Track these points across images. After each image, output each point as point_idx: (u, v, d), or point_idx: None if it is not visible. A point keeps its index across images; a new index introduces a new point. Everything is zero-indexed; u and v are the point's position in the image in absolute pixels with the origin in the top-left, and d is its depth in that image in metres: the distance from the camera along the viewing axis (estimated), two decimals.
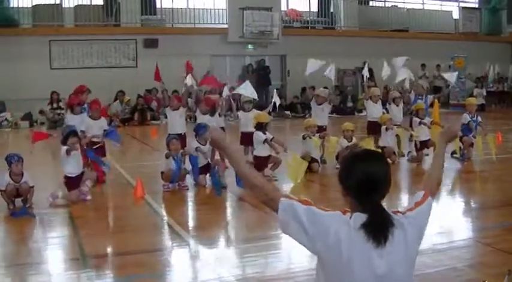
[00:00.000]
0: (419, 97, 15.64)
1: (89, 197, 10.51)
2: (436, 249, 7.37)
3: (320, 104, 14.39)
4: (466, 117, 14.48)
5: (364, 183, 3.28)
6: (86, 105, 12.87)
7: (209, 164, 11.63)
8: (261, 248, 7.71)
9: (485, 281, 5.50)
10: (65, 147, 10.28)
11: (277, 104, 15.28)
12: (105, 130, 12.07)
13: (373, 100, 15.16)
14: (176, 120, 13.14)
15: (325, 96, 14.58)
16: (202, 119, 12.98)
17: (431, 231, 8.18)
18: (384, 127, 14.16)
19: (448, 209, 10.14)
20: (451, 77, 18.41)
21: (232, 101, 14.51)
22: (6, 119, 24.16)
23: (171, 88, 21.17)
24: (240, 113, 13.70)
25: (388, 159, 12.69)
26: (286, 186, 11.75)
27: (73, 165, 10.43)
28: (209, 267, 7.11)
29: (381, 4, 34.34)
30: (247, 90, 14.34)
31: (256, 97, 14.48)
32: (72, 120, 12.20)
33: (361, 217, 3.23)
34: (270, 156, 12.30)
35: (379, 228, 3.19)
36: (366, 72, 16.75)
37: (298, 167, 11.96)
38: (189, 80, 13.95)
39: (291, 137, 18.24)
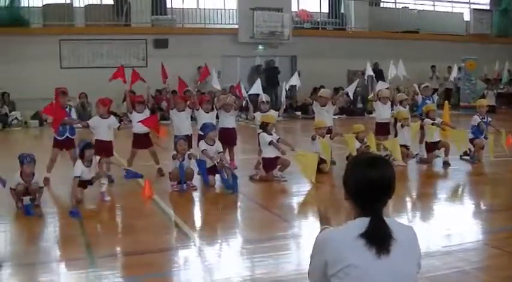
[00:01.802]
0: (427, 98, 15.55)
1: (107, 198, 10.52)
2: (445, 251, 7.34)
3: (324, 106, 14.20)
4: (476, 119, 14.42)
5: (366, 189, 3.27)
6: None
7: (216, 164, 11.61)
8: (270, 248, 7.68)
9: None
10: (79, 165, 10.37)
11: (284, 102, 15.15)
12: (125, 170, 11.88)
13: (382, 101, 15.03)
14: (182, 122, 13.12)
15: (327, 96, 14.43)
16: (203, 118, 12.94)
17: (440, 233, 8.19)
18: (399, 124, 14.11)
19: (458, 211, 10.12)
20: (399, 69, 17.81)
21: (249, 103, 14.47)
22: (16, 117, 24.28)
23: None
24: (257, 114, 13.56)
25: (399, 162, 12.79)
26: (296, 187, 11.74)
27: (86, 174, 10.44)
28: (217, 268, 7.09)
29: (391, 5, 34.30)
30: (255, 88, 14.40)
31: (261, 93, 14.38)
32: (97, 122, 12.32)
33: (363, 222, 3.22)
34: (278, 157, 12.24)
35: (379, 239, 3.17)
36: (369, 72, 16.66)
37: (309, 162, 11.93)
38: (215, 82, 14.03)
39: (301, 138, 18.21)
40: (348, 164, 3.52)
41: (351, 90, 15.45)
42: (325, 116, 14.04)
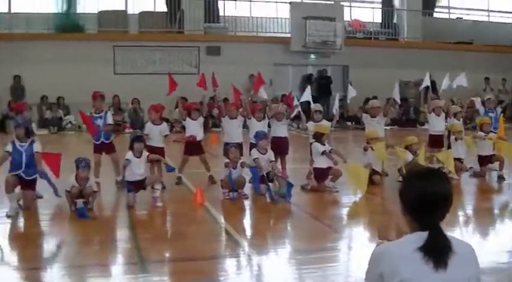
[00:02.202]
0: (490, 110, 15.22)
1: (159, 204, 10.56)
2: (500, 268, 7.20)
3: (374, 117, 13.97)
4: None
5: (423, 203, 3.21)
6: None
7: (268, 173, 11.59)
8: (319, 259, 7.61)
9: None
10: (129, 153, 10.45)
11: (337, 112, 15.03)
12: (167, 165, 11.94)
13: (436, 112, 14.80)
14: (234, 130, 13.11)
15: (379, 105, 14.26)
16: (255, 127, 12.93)
17: (495, 249, 8.02)
18: (453, 137, 13.90)
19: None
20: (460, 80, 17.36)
21: (301, 112, 14.40)
22: (70, 121, 24.66)
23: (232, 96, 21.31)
24: (309, 124, 13.48)
25: (453, 175, 12.53)
26: (347, 198, 11.63)
27: (133, 171, 10.50)
28: (266, 277, 7.08)
29: (445, 16, 33.91)
30: (305, 95, 14.36)
31: (310, 100, 14.32)
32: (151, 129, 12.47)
33: (420, 236, 3.16)
34: (330, 167, 12.15)
35: (438, 252, 3.11)
36: (427, 83, 16.28)
37: (359, 175, 11.80)
38: (263, 93, 13.98)
39: (352, 149, 18.10)
40: (405, 178, 3.48)
41: (396, 96, 15.21)
42: (376, 127, 13.82)
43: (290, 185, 11.23)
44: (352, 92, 15.68)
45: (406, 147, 13.10)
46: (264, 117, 13.24)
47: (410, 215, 3.29)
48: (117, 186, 11.69)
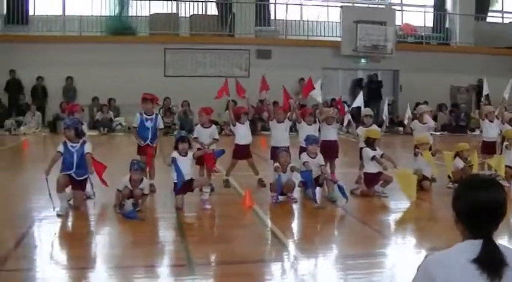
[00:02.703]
0: None
1: (208, 206, 10.59)
2: None
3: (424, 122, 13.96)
4: None
5: (477, 212, 3.16)
6: None
7: (318, 177, 11.57)
8: (366, 265, 7.55)
9: None
10: (175, 152, 10.49)
11: (387, 118, 14.86)
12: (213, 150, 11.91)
13: (489, 118, 14.60)
14: (281, 133, 12.96)
15: (429, 109, 14.14)
16: (306, 130, 12.89)
17: None
18: (506, 143, 13.68)
19: None
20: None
21: (350, 118, 14.28)
22: (120, 123, 24.91)
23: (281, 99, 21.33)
24: (359, 129, 13.42)
25: (503, 183, 12.27)
26: (396, 204, 11.54)
27: (183, 163, 10.49)
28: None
29: (498, 20, 33.42)
30: (358, 101, 14.27)
31: (362, 106, 14.21)
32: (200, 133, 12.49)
33: (472, 245, 3.11)
34: (380, 173, 12.06)
35: (492, 265, 3.04)
36: (486, 90, 15.97)
37: (408, 181, 11.70)
38: (318, 95, 13.84)
39: (401, 154, 17.95)
40: (458, 186, 3.42)
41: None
42: (426, 132, 13.78)
43: (342, 188, 11.19)
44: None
45: (457, 154, 12.91)
46: (315, 121, 13.21)
47: (463, 224, 3.24)
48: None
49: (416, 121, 14.16)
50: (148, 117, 12.31)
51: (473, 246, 3.10)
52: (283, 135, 12.95)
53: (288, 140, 12.92)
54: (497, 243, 3.13)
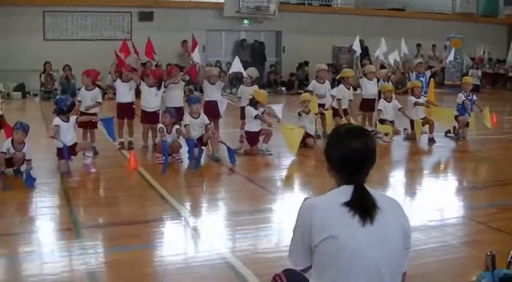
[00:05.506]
0: (420, 74, 15.49)
1: (93, 170, 10.52)
2: (431, 225, 7.39)
3: (323, 83, 14.70)
4: (461, 97, 14.47)
5: (349, 159, 3.30)
6: None
7: (202, 137, 11.62)
8: (253, 221, 7.71)
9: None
10: (56, 121, 10.25)
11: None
12: (101, 119, 11.72)
13: (368, 77, 15.15)
14: (152, 97, 12.56)
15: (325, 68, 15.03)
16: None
17: (425, 208, 8.23)
18: (382, 99, 14.34)
19: (442, 187, 10.17)
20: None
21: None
22: None
23: (165, 62, 21.19)
24: (240, 89, 13.86)
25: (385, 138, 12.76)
26: (281, 161, 11.76)
27: (63, 136, 10.30)
28: (201, 239, 7.09)
29: None
30: (234, 66, 14.15)
31: (242, 71, 14.15)
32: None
33: (345, 189, 3.26)
34: (261, 130, 12.26)
35: (363, 207, 3.19)
36: (357, 48, 16.57)
37: (294, 135, 11.99)
38: (196, 57, 13.62)
39: (286, 114, 18.18)
40: (330, 135, 3.53)
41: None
42: (322, 91, 14.49)
43: (231, 151, 11.30)
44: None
45: (342, 78, 14.87)
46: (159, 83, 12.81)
47: (335, 171, 3.39)
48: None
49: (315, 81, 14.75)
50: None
51: (346, 191, 3.24)
52: (153, 98, 12.60)
53: (158, 104, 12.74)
54: (368, 188, 3.28)
